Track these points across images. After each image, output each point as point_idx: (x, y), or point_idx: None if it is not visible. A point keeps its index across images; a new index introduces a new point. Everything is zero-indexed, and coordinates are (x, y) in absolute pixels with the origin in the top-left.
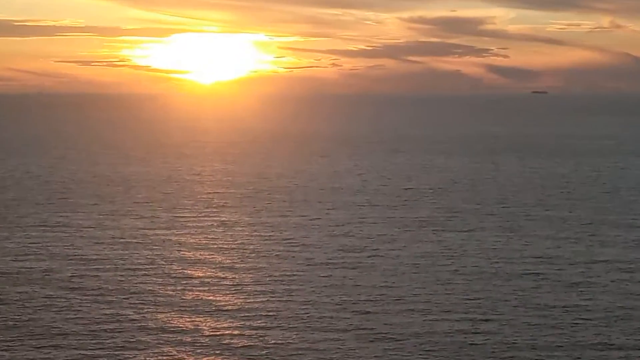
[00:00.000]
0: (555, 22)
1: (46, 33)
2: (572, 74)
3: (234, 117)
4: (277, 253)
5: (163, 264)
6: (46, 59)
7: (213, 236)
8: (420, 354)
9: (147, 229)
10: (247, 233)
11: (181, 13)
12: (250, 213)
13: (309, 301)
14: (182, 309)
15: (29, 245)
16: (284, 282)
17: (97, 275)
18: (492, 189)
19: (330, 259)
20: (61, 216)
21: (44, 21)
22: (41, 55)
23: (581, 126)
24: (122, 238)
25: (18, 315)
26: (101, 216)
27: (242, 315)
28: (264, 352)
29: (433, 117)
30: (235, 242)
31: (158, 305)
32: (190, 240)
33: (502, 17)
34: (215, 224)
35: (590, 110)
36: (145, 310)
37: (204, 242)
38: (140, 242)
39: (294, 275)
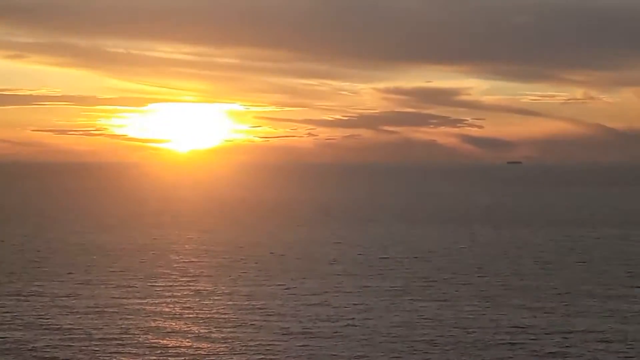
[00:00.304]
0: (530, 93)
1: (23, 102)
2: (546, 144)
3: (210, 186)
4: (253, 322)
5: (138, 334)
6: (22, 128)
7: (188, 305)
8: None
9: (122, 298)
10: (222, 302)
11: (158, 83)
12: (226, 282)
13: None
14: None
15: (3, 314)
16: (259, 352)
17: (71, 345)
18: (468, 258)
19: (306, 328)
20: (35, 285)
21: (21, 90)
22: (17, 124)
23: (556, 196)
24: (96, 307)
25: None
26: (76, 285)
27: None
28: None
29: (409, 187)
30: (211, 312)
31: None
32: (166, 310)
33: (477, 88)
34: (190, 293)
35: (564, 181)
36: None
37: (179, 311)
38: (115, 312)
39: (270, 344)
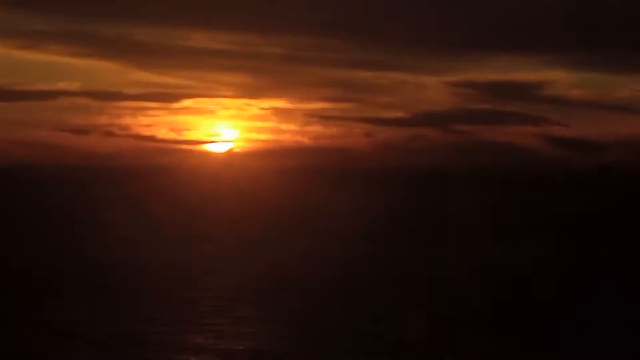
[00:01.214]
0: (625, 87)
1: (37, 98)
2: None
3: (252, 193)
4: None
5: None
6: (37, 127)
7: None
8: None
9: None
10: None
11: (191, 76)
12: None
13: None
14: None
15: None
16: None
17: None
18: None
19: None
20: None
21: (35, 85)
22: (31, 123)
23: None
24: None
25: None
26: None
27: None
28: None
29: (486, 197)
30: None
31: None
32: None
33: (563, 81)
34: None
35: None
36: None
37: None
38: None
39: None
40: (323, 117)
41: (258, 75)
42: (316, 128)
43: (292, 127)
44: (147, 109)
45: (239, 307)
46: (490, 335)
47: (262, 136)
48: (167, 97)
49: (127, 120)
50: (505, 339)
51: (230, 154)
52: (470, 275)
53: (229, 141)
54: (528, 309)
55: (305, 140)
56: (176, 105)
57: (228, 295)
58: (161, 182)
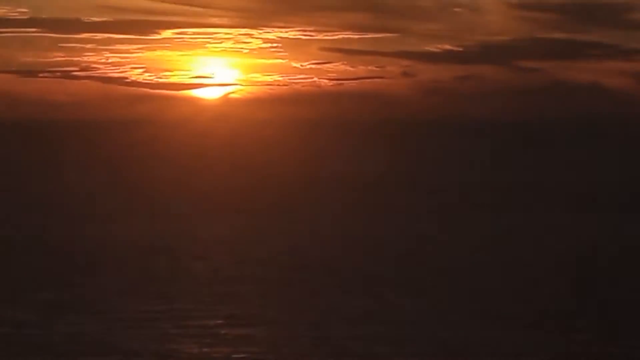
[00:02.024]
0: None
1: None
2: None
3: (257, 153)
4: None
5: None
6: None
7: None
8: None
9: None
10: None
11: None
12: None
13: None
14: None
15: None
16: None
17: None
18: None
19: None
20: None
21: None
22: None
23: None
24: None
25: None
26: None
27: None
28: None
29: (571, 156)
30: None
31: None
32: None
33: None
34: None
35: None
36: None
37: None
38: None
39: None
40: (347, 52)
41: None
42: (339, 66)
43: (307, 64)
44: (115, 42)
45: (231, 302)
46: None
47: (268, 77)
48: (142, 26)
49: (89, 58)
50: None
51: (226, 100)
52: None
53: (225, 85)
54: None
55: (325, 83)
56: (154, 37)
57: (220, 287)
58: (136, 139)
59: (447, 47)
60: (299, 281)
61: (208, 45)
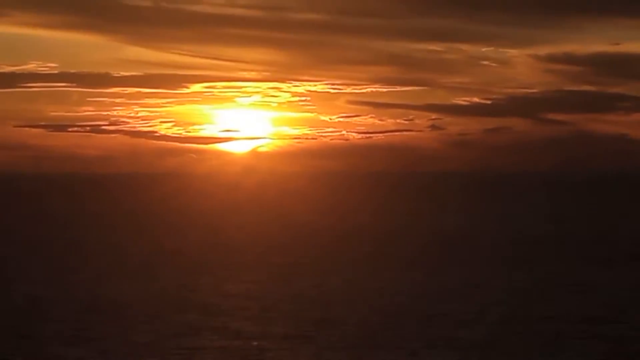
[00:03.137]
0: None
1: (1, 84)
2: None
3: (286, 206)
4: None
5: None
6: (0, 122)
7: None
8: None
9: None
10: None
11: (204, 52)
12: None
13: None
14: None
15: None
16: None
17: None
18: None
19: None
20: None
21: None
22: None
23: None
24: None
25: None
26: None
27: None
28: None
29: (609, 211)
30: None
31: None
32: None
33: None
34: None
35: None
36: None
37: None
38: None
39: None
40: (376, 105)
41: (290, 50)
42: (367, 119)
43: (335, 118)
44: (144, 96)
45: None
46: None
47: (297, 131)
48: (171, 80)
49: (118, 112)
50: None
51: (254, 154)
52: None
53: (253, 138)
54: None
55: (353, 136)
56: (183, 90)
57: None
58: (164, 193)
59: (475, 99)
60: (326, 336)
61: (237, 99)
